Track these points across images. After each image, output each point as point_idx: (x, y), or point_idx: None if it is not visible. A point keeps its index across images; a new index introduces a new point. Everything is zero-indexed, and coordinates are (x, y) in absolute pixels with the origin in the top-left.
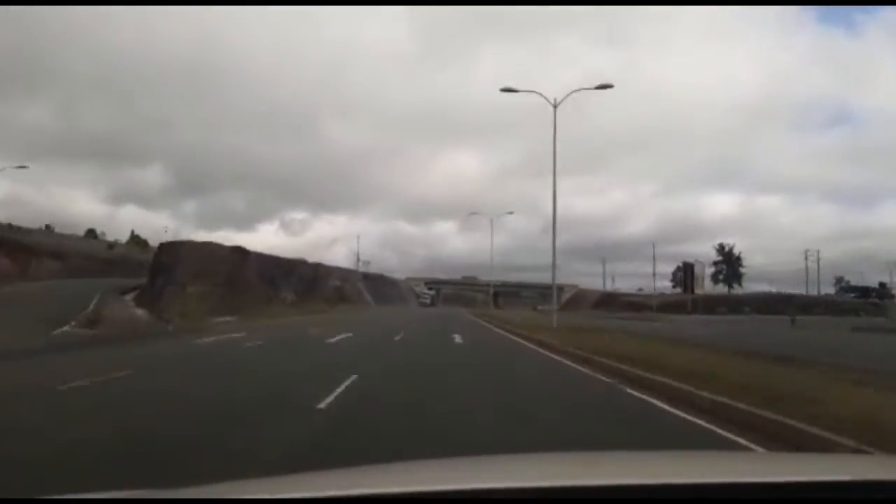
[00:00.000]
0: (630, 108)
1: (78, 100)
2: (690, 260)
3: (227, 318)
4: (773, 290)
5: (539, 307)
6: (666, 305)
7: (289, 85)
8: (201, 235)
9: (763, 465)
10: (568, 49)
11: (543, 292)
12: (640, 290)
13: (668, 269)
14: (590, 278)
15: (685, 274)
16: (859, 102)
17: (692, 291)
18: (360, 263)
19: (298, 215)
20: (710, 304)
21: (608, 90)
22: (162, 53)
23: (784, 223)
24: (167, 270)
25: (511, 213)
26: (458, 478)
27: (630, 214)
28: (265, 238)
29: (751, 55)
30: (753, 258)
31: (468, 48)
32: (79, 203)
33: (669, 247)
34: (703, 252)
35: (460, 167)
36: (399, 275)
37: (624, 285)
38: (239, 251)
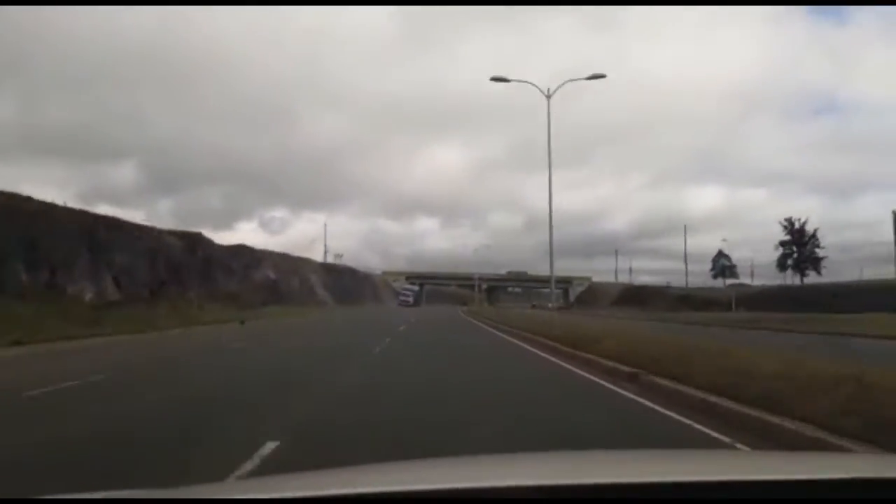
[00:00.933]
0: (616, 98)
1: (41, 94)
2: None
3: None
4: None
5: (537, 303)
6: (745, 299)
7: (264, 76)
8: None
9: (757, 464)
10: (553, 37)
11: (528, 287)
12: (668, 283)
13: (648, 264)
14: (583, 274)
15: None
16: (846, 93)
17: None
18: (332, 256)
19: (278, 213)
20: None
21: (600, 79)
22: (131, 45)
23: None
24: None
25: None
26: (456, 476)
27: (613, 208)
28: (245, 237)
29: (738, 44)
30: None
31: (450, 36)
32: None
33: (652, 241)
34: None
35: (442, 162)
36: (378, 272)
37: (621, 280)
38: None
